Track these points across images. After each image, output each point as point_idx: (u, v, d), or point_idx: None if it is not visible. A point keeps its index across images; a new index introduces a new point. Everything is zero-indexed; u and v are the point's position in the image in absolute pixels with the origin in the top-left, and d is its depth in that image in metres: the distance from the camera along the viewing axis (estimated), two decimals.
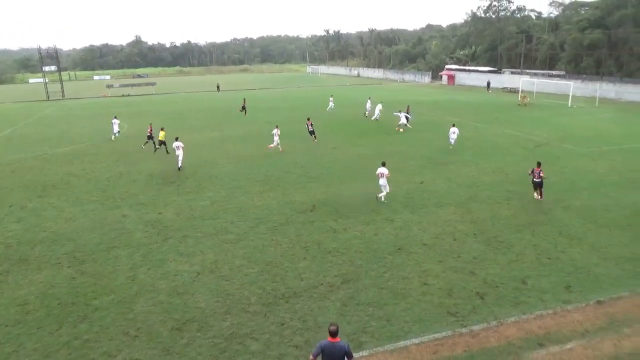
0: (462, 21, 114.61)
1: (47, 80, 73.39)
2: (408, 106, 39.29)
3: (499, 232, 15.48)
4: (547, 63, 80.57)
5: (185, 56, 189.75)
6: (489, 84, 72.31)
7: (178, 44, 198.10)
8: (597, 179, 21.68)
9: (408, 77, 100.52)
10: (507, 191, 19.84)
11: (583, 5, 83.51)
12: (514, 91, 63.96)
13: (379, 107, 40.29)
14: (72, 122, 45.21)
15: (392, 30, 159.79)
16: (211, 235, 15.65)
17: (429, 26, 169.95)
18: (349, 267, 13.23)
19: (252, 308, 11.23)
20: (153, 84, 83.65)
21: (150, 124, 30.31)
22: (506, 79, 73.69)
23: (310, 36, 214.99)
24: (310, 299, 11.55)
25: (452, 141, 27.94)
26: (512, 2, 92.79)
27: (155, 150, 28.90)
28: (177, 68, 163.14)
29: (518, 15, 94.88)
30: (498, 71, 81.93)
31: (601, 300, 11.31)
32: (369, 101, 43.81)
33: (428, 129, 35.57)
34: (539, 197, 18.65)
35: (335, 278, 12.59)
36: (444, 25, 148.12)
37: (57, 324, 10.68)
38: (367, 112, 42.81)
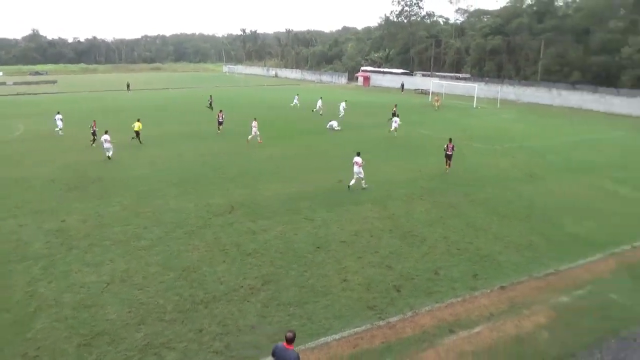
0: (377, 24, 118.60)
1: None
2: (395, 105, 41.35)
3: (413, 227, 16.18)
4: (455, 66, 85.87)
5: (90, 53, 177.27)
6: (402, 85, 75.54)
7: (82, 40, 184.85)
8: (500, 174, 23.45)
9: (325, 78, 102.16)
10: (421, 188, 20.81)
11: (485, 13, 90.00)
12: (425, 92, 67.41)
13: (342, 105, 43.01)
14: None
15: (309, 32, 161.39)
16: (122, 242, 14.74)
17: (345, 28, 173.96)
18: (269, 267, 13.11)
19: (169, 316, 10.73)
20: (54, 82, 77.33)
21: (94, 121, 30.02)
22: (418, 81, 77.47)
23: (226, 35, 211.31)
24: (230, 303, 11.28)
25: (393, 128, 33.38)
26: (422, 8, 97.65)
27: (92, 144, 28.85)
28: (82, 65, 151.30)
29: (428, 21, 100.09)
30: (410, 73, 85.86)
31: (504, 285, 12.24)
32: (319, 100, 46.38)
33: (348, 128, 36.35)
34: (448, 167, 23.43)
35: (255, 280, 12.41)
36: (360, 28, 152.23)
37: None
38: (318, 110, 45.43)
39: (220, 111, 34.67)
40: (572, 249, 14.63)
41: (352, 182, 20.31)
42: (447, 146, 23.27)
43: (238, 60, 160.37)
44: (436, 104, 51.99)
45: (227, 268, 13.08)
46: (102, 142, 25.71)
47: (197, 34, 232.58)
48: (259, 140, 30.24)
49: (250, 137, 30.30)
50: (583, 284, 12.43)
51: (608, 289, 12.18)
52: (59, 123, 33.35)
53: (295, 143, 30.85)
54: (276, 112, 46.88)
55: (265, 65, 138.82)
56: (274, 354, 7.54)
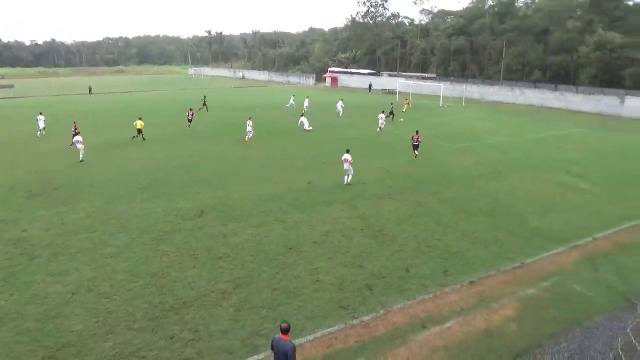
0: (343, 26, 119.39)
1: None
2: (392, 104, 43.54)
3: (384, 226, 16.34)
4: (421, 66, 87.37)
5: (49, 56, 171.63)
6: (370, 86, 76.26)
7: (40, 42, 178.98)
8: (466, 172, 23.96)
9: (293, 79, 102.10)
10: (390, 187, 21.03)
11: (449, 14, 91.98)
12: (392, 93, 68.23)
13: (340, 104, 45.70)
14: None
15: (276, 33, 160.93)
16: (88, 250, 14.30)
17: (312, 30, 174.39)
18: (241, 271, 12.98)
19: (138, 324, 10.48)
20: (11, 86, 74.17)
21: (75, 123, 29.57)
22: (385, 82, 78.36)
23: (191, 37, 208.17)
24: (201, 308, 11.11)
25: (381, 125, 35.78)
26: (388, 9, 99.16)
27: (72, 146, 27.94)
28: (40, 69, 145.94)
29: (393, 22, 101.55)
30: (378, 74, 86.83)
31: (473, 280, 12.51)
32: (307, 100, 48.55)
33: (316, 129, 36.39)
34: (415, 156, 26.40)
35: (227, 284, 12.27)
36: (326, 29, 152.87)
37: None
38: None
39: (191, 109, 37.33)
40: (537, 242, 15.09)
41: (348, 178, 21.24)
42: (414, 137, 26.51)
43: (204, 63, 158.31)
44: (405, 107, 49.70)
45: (198, 273, 12.88)
46: (75, 144, 26.17)
47: (161, 36, 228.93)
48: (247, 140, 31.48)
49: (247, 137, 31.66)
50: (548, 276, 12.83)
51: (571, 281, 12.61)
52: (41, 124, 33.52)
53: (266, 144, 30.68)
54: (246, 114, 46.41)
55: (232, 67, 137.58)
56: (272, 347, 7.88)
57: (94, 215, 17.28)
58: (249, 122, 31.81)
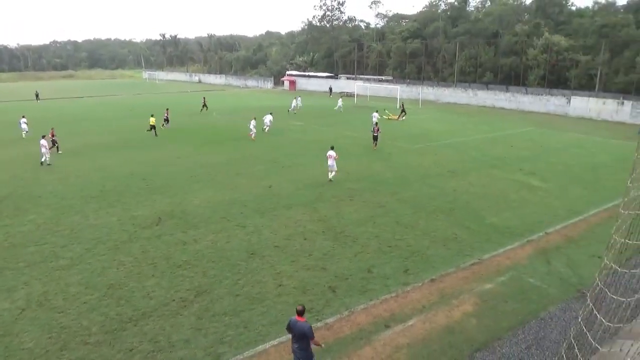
0: (300, 29, 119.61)
1: None
2: (402, 106, 46.73)
3: (345, 228, 16.42)
4: (378, 69, 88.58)
5: None
6: (330, 89, 76.54)
7: None
8: (424, 171, 24.45)
9: (251, 82, 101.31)
10: (349, 189, 21.17)
11: (404, 17, 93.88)
12: (350, 95, 68.86)
13: (340, 101, 51.62)
14: None
15: (232, 36, 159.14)
16: (37, 263, 13.61)
17: (269, 33, 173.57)
18: (202, 278, 12.71)
19: (94, 338, 10.05)
20: None
21: (52, 129, 29.90)
22: (343, 84, 79.00)
23: (144, 40, 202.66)
24: (161, 318, 10.79)
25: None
26: (344, 13, 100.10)
27: (57, 151, 28.64)
28: None
29: (350, 25, 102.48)
30: (335, 77, 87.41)
31: (434, 278, 12.75)
32: (294, 100, 52.04)
33: (274, 133, 36.22)
34: (375, 146, 29.59)
35: (187, 292, 11.98)
36: (283, 32, 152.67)
37: None
38: (290, 109, 50.66)
39: (167, 109, 40.64)
40: (493, 238, 15.57)
41: (331, 174, 22.20)
42: (374, 129, 30.05)
43: (158, 66, 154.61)
44: (394, 117, 46.36)
45: (157, 282, 12.51)
46: (40, 147, 26.07)
47: (112, 39, 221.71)
48: (253, 137, 33.57)
49: (252, 133, 33.57)
50: (504, 271, 13.25)
51: (526, 274, 13.08)
52: (24, 126, 34.90)
53: (224, 149, 30.25)
54: (202, 118, 45.76)
55: (187, 71, 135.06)
56: (288, 328, 8.47)
57: (43, 227, 16.48)
58: (253, 122, 33.75)
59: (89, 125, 41.30)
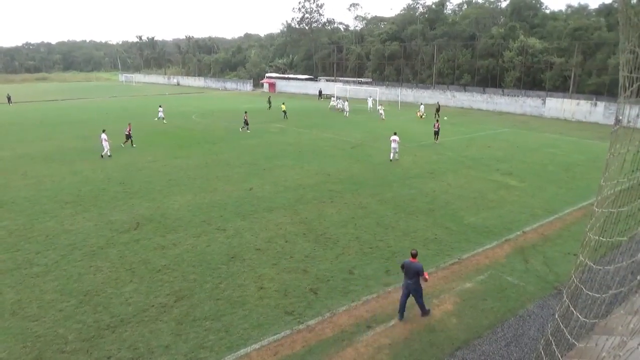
0: (279, 31, 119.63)
1: None
2: (438, 105, 49.37)
3: (326, 230, 16.42)
4: (357, 71, 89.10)
5: None
6: (320, 92, 74.95)
7: None
8: (404, 173, 24.63)
9: (230, 85, 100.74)
10: (330, 191, 21.19)
11: (382, 20, 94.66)
12: (330, 97, 68.95)
13: (346, 103, 50.83)
14: None
15: (210, 39, 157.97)
16: (10, 271, 13.24)
17: (248, 35, 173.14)
18: (181, 283, 12.54)
19: (71, 346, 9.82)
20: None
21: (130, 124, 31.65)
22: (322, 86, 79.08)
23: (121, 42, 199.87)
24: (140, 324, 10.60)
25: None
26: (323, 15, 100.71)
27: (131, 145, 30.89)
28: None
29: (329, 28, 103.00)
30: (315, 79, 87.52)
31: None
32: (339, 101, 54.15)
33: (253, 136, 36.06)
34: (436, 140, 32.94)
35: (167, 297, 11.80)
36: (262, 34, 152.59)
37: None
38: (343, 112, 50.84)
39: (129, 123, 33.65)
40: (472, 238, 15.77)
41: (392, 155, 26.86)
42: (435, 124, 34.70)
43: (135, 69, 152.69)
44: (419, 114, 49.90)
45: (135, 288, 12.29)
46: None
47: (87, 40, 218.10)
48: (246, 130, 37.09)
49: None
50: (483, 270, 13.43)
51: (505, 273, 13.27)
52: None
53: (204, 152, 29.96)
54: (182, 120, 45.29)
55: (165, 74, 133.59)
56: (403, 267, 10.62)
57: (16, 233, 16.05)
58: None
59: (63, 128, 40.44)
